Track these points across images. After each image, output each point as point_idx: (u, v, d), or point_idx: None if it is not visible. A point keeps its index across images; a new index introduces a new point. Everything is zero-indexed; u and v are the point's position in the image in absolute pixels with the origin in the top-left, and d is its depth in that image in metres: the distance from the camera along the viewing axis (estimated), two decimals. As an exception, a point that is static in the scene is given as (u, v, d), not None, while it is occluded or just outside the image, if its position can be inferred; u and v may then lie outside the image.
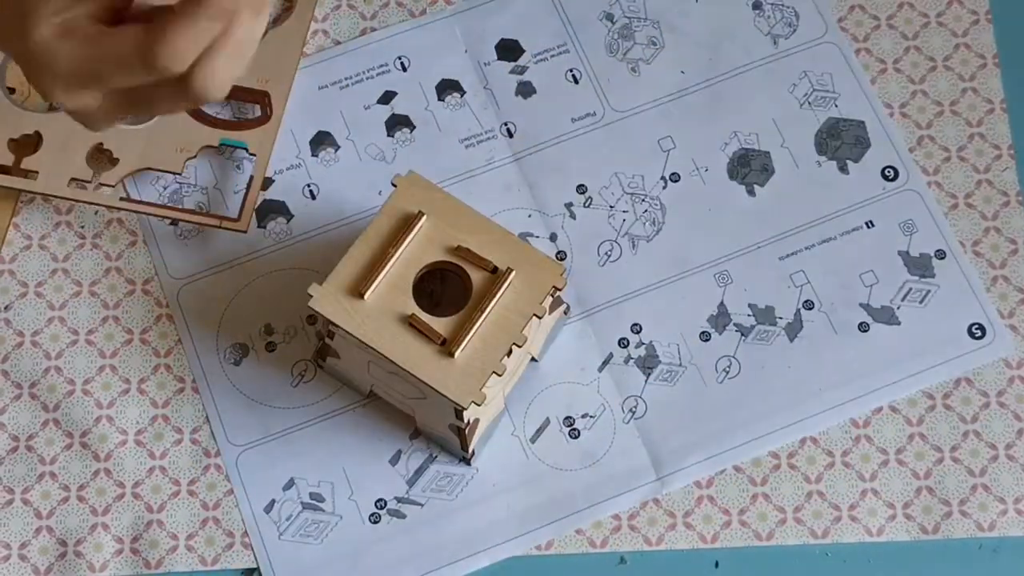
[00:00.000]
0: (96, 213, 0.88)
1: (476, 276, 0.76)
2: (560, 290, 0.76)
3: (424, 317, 0.75)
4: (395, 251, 0.76)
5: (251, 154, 0.87)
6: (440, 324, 0.75)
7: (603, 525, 0.81)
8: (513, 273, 0.76)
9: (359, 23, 0.92)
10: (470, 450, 0.80)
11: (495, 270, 0.76)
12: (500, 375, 0.74)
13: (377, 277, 0.75)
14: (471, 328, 0.75)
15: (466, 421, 0.77)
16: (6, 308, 0.86)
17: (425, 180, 0.78)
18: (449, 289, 0.78)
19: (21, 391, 0.84)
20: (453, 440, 0.80)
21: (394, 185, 0.77)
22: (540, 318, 0.76)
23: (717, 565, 0.81)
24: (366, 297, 0.75)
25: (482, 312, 0.75)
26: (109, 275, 0.86)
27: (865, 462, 0.82)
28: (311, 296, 0.75)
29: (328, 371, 0.83)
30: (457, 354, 0.74)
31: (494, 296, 0.75)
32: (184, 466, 0.83)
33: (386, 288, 0.75)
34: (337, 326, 0.75)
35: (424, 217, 0.77)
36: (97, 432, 0.83)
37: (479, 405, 0.74)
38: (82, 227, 0.87)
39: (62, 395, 0.84)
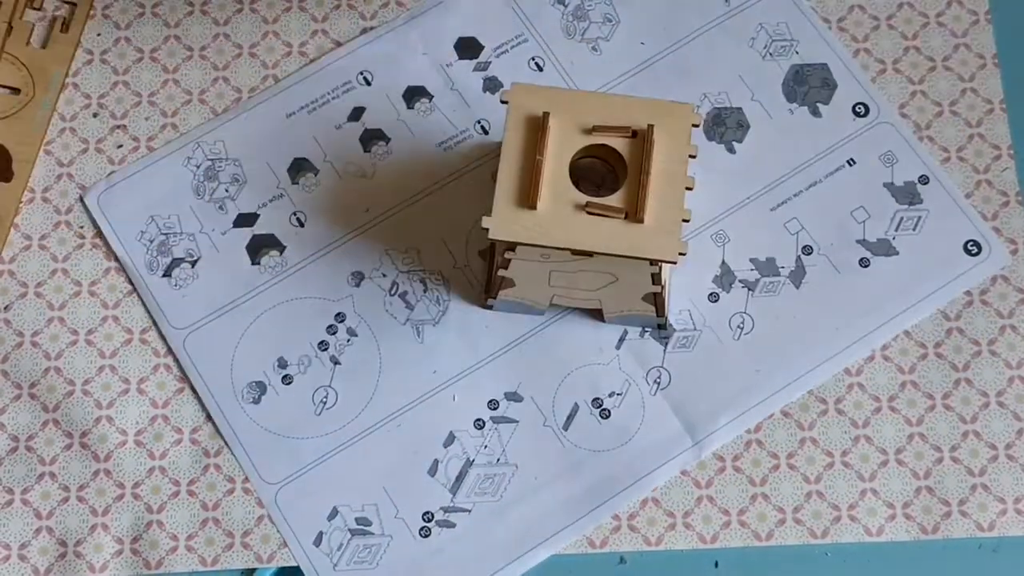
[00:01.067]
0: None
1: (621, 145, 0.77)
2: (698, 125, 0.77)
3: (598, 200, 0.76)
4: (541, 155, 0.76)
5: None
6: (612, 201, 0.76)
7: (603, 525, 0.81)
8: (654, 127, 0.76)
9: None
10: (667, 314, 0.81)
11: (635, 133, 0.76)
12: (688, 220, 0.75)
13: (538, 184, 0.75)
14: (643, 191, 0.75)
15: (663, 283, 0.77)
16: (6, 308, 0.85)
17: (528, 84, 0.78)
18: (588, 176, 0.79)
19: (21, 391, 0.83)
20: (647, 312, 0.81)
21: (504, 102, 0.77)
22: (695, 156, 0.77)
23: (717, 565, 0.81)
24: (538, 207, 0.75)
25: (646, 173, 0.75)
26: (109, 275, 0.86)
27: (864, 462, 0.83)
28: (486, 229, 0.75)
29: (498, 308, 0.84)
30: (645, 218, 0.75)
31: (648, 154, 0.76)
32: (184, 466, 0.82)
33: (549, 191, 0.76)
34: (523, 243, 0.75)
35: (551, 115, 0.76)
36: (97, 432, 0.83)
37: (684, 255, 0.75)
38: (82, 227, 0.86)
39: (62, 395, 0.83)
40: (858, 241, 0.87)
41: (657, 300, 0.81)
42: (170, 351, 0.85)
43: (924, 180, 0.88)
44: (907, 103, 0.90)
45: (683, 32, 0.91)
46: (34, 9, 0.92)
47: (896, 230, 0.87)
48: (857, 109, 0.90)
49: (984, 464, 0.83)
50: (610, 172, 0.79)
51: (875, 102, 0.89)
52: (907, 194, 0.88)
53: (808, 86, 0.90)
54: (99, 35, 0.91)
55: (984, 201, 0.87)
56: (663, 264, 0.77)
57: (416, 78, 0.91)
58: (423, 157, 0.89)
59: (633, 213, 0.75)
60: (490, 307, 0.84)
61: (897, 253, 0.86)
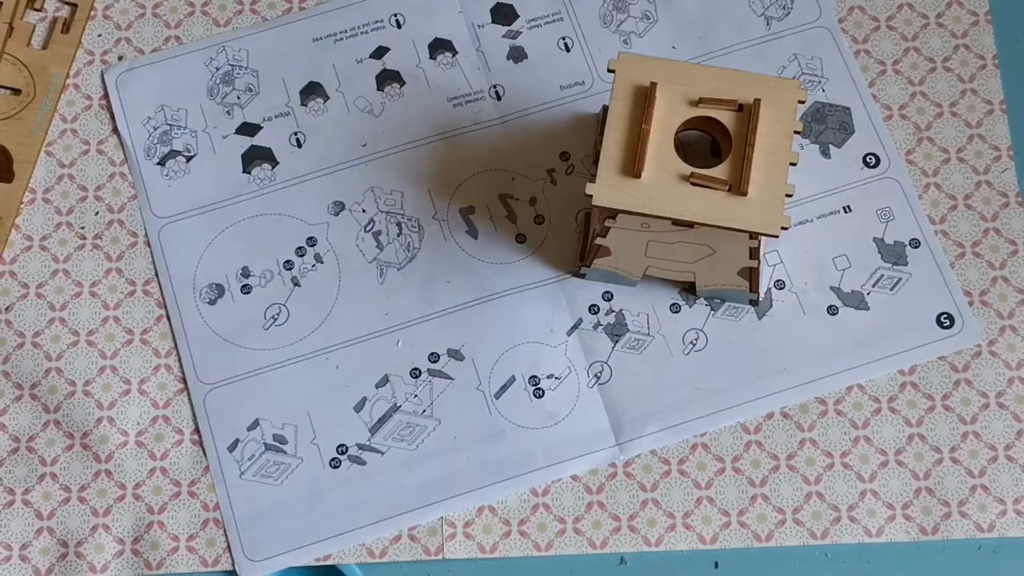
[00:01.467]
0: (96, 214, 0.88)
1: (727, 118, 0.78)
2: (804, 102, 0.78)
3: (702, 171, 0.77)
4: (648, 125, 0.77)
5: None
6: (717, 173, 0.77)
7: (602, 525, 0.82)
8: (761, 102, 0.77)
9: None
10: (759, 290, 0.82)
11: (741, 107, 0.77)
12: (792, 195, 0.76)
13: (644, 154, 0.76)
14: (748, 164, 0.76)
15: (760, 257, 0.79)
16: (7, 309, 0.86)
17: (636, 55, 0.79)
18: (689, 148, 0.80)
19: (22, 392, 0.84)
20: (740, 286, 0.82)
21: (611, 71, 0.78)
22: (800, 133, 0.77)
23: (717, 566, 0.81)
24: (642, 176, 0.76)
25: (751, 146, 0.76)
26: (109, 276, 0.87)
27: (864, 463, 0.83)
28: (590, 196, 0.76)
29: (591, 277, 0.85)
30: (749, 191, 0.76)
31: (754, 128, 0.77)
32: (185, 467, 0.83)
33: (654, 161, 0.77)
34: (625, 211, 0.76)
35: (658, 85, 0.78)
36: (98, 433, 0.84)
37: (787, 229, 0.75)
38: (82, 228, 0.88)
39: (63, 396, 0.84)
40: (832, 288, 0.86)
41: (752, 275, 0.81)
42: (171, 352, 0.85)
43: (915, 244, 0.87)
44: (907, 104, 0.89)
45: (717, 44, 0.91)
46: (35, 10, 0.92)
47: (873, 286, 0.86)
48: (868, 159, 0.89)
49: (984, 465, 0.82)
50: (711, 144, 0.80)
51: (888, 156, 0.89)
52: (894, 254, 0.87)
53: (826, 125, 0.89)
54: (100, 36, 0.92)
55: (984, 202, 0.87)
56: (762, 239, 0.77)
57: (446, 31, 0.92)
58: (432, 108, 0.90)
59: (737, 186, 0.76)
60: (582, 275, 0.85)
61: (868, 308, 0.86)
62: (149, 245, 0.87)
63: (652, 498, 0.82)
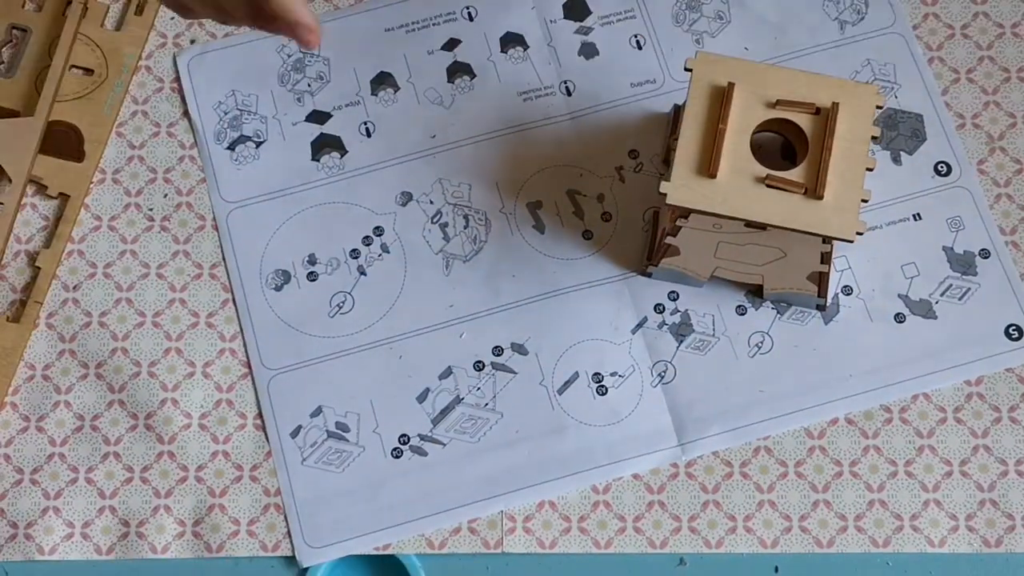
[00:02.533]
0: (165, 196, 0.88)
1: (804, 121, 0.77)
2: (882, 107, 0.78)
3: (778, 174, 0.76)
4: (724, 125, 0.77)
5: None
6: (793, 176, 0.76)
7: (662, 525, 0.81)
8: (839, 105, 0.77)
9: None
10: (827, 297, 0.82)
11: (818, 111, 0.77)
12: (868, 200, 0.76)
13: (720, 154, 0.76)
14: (824, 168, 0.76)
15: (831, 262, 0.78)
16: (75, 288, 0.86)
17: (714, 55, 0.78)
18: (764, 150, 0.79)
19: (87, 371, 0.85)
20: (808, 290, 0.82)
21: (688, 70, 0.78)
22: (877, 139, 0.77)
23: (777, 570, 0.81)
24: (717, 176, 0.76)
25: (828, 150, 0.76)
26: (176, 258, 0.87)
27: (928, 472, 0.82)
28: (664, 195, 0.76)
29: (657, 276, 0.85)
30: (824, 195, 0.75)
31: (832, 132, 0.76)
32: (247, 452, 0.83)
33: (730, 161, 0.76)
34: (699, 211, 0.76)
35: (735, 85, 0.77)
36: (161, 415, 0.84)
37: (861, 234, 0.75)
38: (151, 210, 0.88)
39: (128, 377, 0.85)
40: (900, 295, 0.85)
41: (822, 280, 0.81)
42: (236, 336, 0.85)
43: (985, 254, 0.86)
44: (980, 113, 0.88)
45: (790, 47, 0.91)
46: (109, -8, 0.92)
47: (942, 295, 0.85)
48: (939, 167, 0.88)
49: None
50: (782, 147, 0.79)
51: (960, 165, 0.88)
52: (964, 263, 0.86)
53: (897, 132, 0.89)
54: (172, 19, 0.92)
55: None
56: (835, 244, 0.77)
57: (518, 26, 0.92)
58: (502, 101, 0.90)
59: (812, 189, 0.75)
60: (649, 275, 0.85)
61: (936, 317, 0.85)
62: (216, 229, 0.88)
63: (713, 500, 0.82)
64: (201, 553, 0.81)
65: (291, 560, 0.81)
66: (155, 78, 0.91)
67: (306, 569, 0.80)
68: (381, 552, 0.81)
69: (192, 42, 0.91)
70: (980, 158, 0.88)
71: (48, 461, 0.83)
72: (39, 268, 0.86)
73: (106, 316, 0.86)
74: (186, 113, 0.90)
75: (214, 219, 0.88)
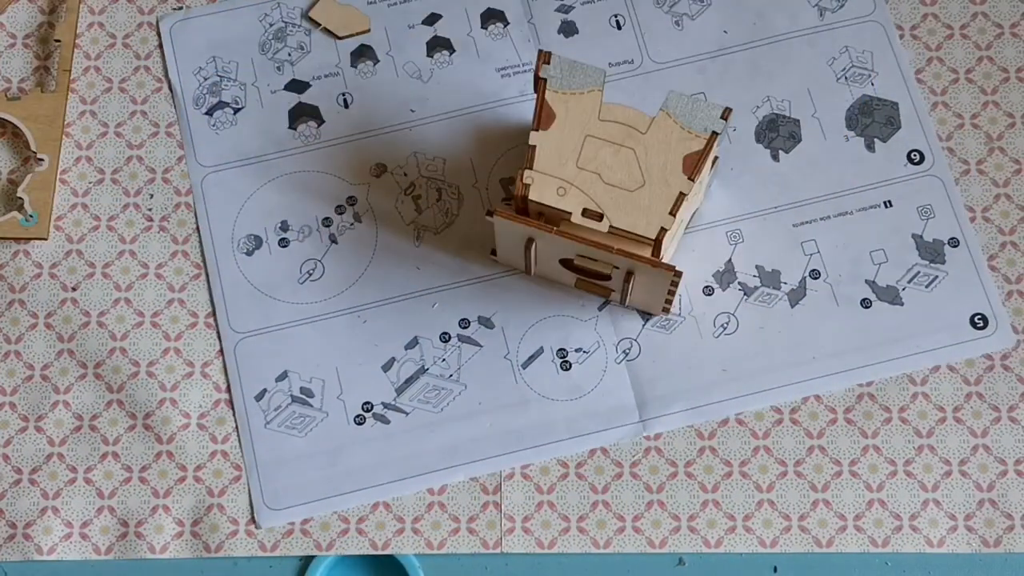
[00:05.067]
0: (152, 197, 0.88)
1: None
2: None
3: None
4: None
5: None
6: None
7: (662, 525, 0.82)
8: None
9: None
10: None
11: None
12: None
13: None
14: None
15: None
16: (73, 288, 0.87)
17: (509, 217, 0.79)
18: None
19: (86, 371, 0.85)
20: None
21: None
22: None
23: (776, 570, 0.81)
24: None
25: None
26: (175, 258, 0.87)
27: (927, 472, 0.82)
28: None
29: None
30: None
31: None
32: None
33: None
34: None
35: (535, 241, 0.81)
36: (160, 414, 0.84)
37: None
38: (150, 209, 0.88)
39: (126, 376, 0.85)
40: (867, 281, 0.86)
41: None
42: (190, 189, 0.87)
43: (954, 243, 0.86)
44: (979, 113, 0.88)
45: (769, 32, 0.91)
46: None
47: (909, 282, 0.86)
48: (913, 156, 0.89)
49: None
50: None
51: (933, 154, 0.88)
52: (932, 251, 0.86)
53: (872, 119, 0.89)
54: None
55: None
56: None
57: (498, 2, 0.92)
58: (480, 77, 0.91)
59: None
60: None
61: (902, 304, 0.85)
62: (192, 195, 0.88)
63: (713, 499, 0.82)
64: (200, 553, 0.82)
65: (291, 560, 0.82)
66: (154, 78, 0.91)
67: (306, 568, 0.81)
68: (380, 552, 0.81)
69: (178, 8, 0.92)
70: (979, 158, 0.88)
71: (47, 461, 0.84)
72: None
73: (105, 316, 0.86)
74: (167, 78, 0.91)
75: (190, 187, 0.89)
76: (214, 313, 0.86)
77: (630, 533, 0.81)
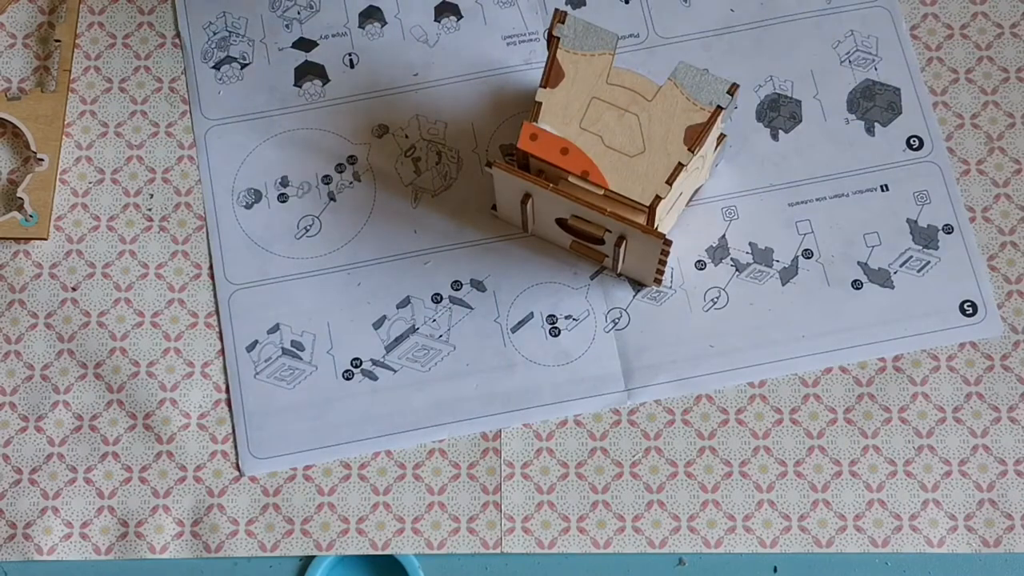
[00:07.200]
0: (152, 196, 0.89)
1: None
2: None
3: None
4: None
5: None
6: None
7: (662, 525, 0.82)
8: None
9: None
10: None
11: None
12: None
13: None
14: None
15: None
16: (73, 288, 0.87)
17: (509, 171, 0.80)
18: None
19: (86, 371, 0.85)
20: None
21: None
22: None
23: (776, 570, 0.81)
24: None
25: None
26: (175, 258, 0.87)
27: (927, 472, 0.82)
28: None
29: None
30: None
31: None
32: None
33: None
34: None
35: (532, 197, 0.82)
36: (160, 415, 0.85)
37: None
38: (149, 210, 0.89)
39: (126, 376, 0.85)
40: (859, 263, 0.86)
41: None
42: (194, 142, 0.88)
43: (948, 230, 0.87)
44: (979, 114, 0.88)
45: (776, 12, 0.92)
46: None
47: (901, 266, 0.86)
48: (912, 141, 0.89)
49: None
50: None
51: (932, 140, 0.88)
52: (926, 237, 0.87)
53: (874, 103, 0.89)
54: None
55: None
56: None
57: (508, -30, 0.93)
58: (486, 44, 0.91)
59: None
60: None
61: (893, 287, 0.86)
62: (195, 148, 0.89)
63: (713, 499, 0.82)
64: (200, 553, 0.82)
65: (291, 560, 0.82)
66: (154, 78, 0.92)
67: (306, 567, 0.82)
68: (380, 552, 0.82)
69: None
70: (979, 158, 0.88)
71: (47, 461, 0.84)
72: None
73: (105, 316, 0.87)
74: (177, 34, 0.92)
75: (193, 140, 0.89)
76: (211, 261, 0.86)
77: (630, 533, 0.82)
